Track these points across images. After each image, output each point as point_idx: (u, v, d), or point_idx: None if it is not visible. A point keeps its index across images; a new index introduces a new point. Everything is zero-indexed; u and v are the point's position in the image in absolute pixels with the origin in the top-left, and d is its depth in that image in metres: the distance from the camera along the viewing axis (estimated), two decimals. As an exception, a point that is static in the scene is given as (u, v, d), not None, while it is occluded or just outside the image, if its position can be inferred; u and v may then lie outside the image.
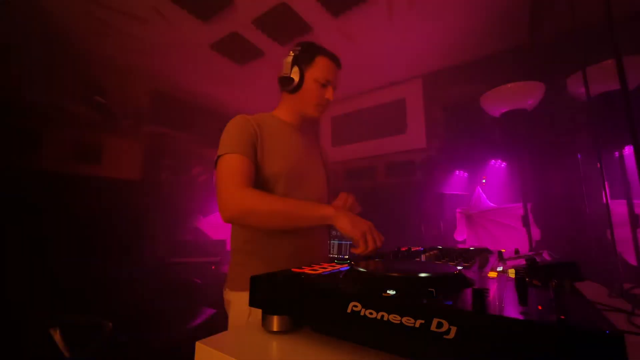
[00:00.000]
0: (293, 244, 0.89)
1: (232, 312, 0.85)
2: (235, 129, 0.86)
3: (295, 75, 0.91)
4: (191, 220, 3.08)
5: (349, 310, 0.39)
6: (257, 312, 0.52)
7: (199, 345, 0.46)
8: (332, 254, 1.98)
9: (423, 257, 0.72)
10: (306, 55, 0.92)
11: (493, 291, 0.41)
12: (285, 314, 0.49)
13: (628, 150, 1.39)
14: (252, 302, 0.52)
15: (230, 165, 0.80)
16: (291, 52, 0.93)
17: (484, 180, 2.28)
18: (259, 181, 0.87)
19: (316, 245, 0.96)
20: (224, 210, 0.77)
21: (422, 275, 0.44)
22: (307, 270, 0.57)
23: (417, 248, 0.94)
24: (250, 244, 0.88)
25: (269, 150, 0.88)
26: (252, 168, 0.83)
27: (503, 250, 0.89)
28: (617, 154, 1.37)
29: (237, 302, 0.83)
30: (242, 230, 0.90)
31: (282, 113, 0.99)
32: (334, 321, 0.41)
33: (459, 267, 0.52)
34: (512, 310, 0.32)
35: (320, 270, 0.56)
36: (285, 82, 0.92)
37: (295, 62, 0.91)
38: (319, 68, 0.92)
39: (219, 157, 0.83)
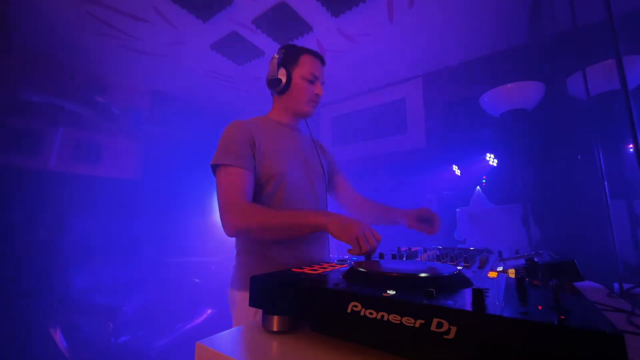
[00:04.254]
0: (296, 246, 0.90)
1: (236, 312, 0.87)
2: (232, 137, 0.87)
3: (282, 76, 0.94)
4: (191, 220, 3.08)
5: (349, 310, 0.39)
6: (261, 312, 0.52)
7: (199, 345, 0.46)
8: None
9: (423, 257, 0.72)
10: (290, 56, 0.95)
11: (493, 291, 0.41)
12: (285, 314, 0.49)
13: (628, 151, 1.39)
14: (252, 302, 0.52)
15: (229, 180, 0.82)
16: (275, 55, 0.96)
17: (484, 180, 2.28)
18: (260, 183, 0.88)
19: (319, 247, 0.97)
20: (225, 227, 0.80)
21: (422, 275, 0.44)
22: (307, 270, 0.57)
23: (417, 248, 0.94)
24: (253, 246, 0.90)
25: (266, 153, 0.89)
26: (250, 179, 0.85)
27: (503, 251, 0.89)
28: (617, 153, 1.37)
29: (242, 302, 0.85)
30: (245, 234, 0.92)
31: (276, 115, 1.01)
32: (334, 321, 0.41)
33: (459, 267, 0.52)
34: (512, 310, 0.32)
35: (320, 270, 0.56)
36: (274, 84, 0.95)
37: (280, 63, 0.94)
38: (305, 65, 0.95)
39: (217, 166, 0.84)
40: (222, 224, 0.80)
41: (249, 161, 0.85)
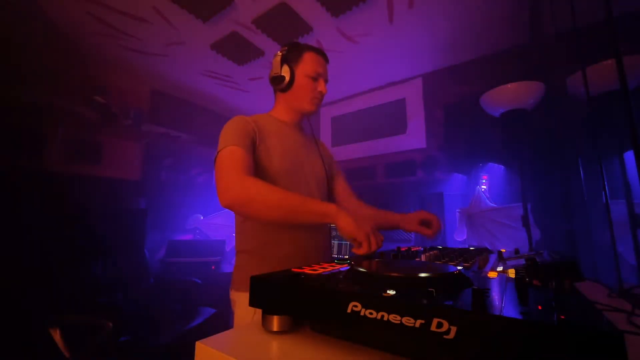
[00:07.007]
0: (296, 245, 0.90)
1: (237, 312, 0.87)
2: (234, 127, 0.86)
3: (285, 73, 0.93)
4: (191, 220, 3.08)
5: (349, 310, 0.39)
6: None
7: (199, 345, 0.46)
8: (333, 254, 1.98)
9: (423, 257, 0.72)
10: (294, 53, 0.94)
11: (493, 291, 0.41)
12: (285, 314, 0.49)
13: (628, 151, 1.39)
14: (252, 302, 0.52)
15: (231, 155, 0.79)
16: (279, 52, 0.95)
17: (484, 180, 2.28)
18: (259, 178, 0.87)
19: (319, 247, 0.96)
20: (224, 195, 0.74)
21: (422, 275, 0.44)
22: (307, 270, 0.57)
23: (417, 248, 0.94)
24: (253, 246, 0.89)
25: (268, 149, 0.89)
26: (251, 160, 0.82)
27: (503, 250, 0.89)
28: (617, 154, 1.37)
29: (241, 302, 0.85)
30: (245, 232, 0.91)
31: (278, 113, 1.01)
32: (334, 321, 0.41)
33: (459, 267, 0.52)
34: (512, 310, 0.32)
35: (320, 270, 0.56)
36: (277, 81, 0.94)
37: (284, 60, 0.93)
38: (308, 63, 0.94)
39: (218, 152, 0.83)
40: (220, 192, 0.74)
41: (250, 145, 0.84)
